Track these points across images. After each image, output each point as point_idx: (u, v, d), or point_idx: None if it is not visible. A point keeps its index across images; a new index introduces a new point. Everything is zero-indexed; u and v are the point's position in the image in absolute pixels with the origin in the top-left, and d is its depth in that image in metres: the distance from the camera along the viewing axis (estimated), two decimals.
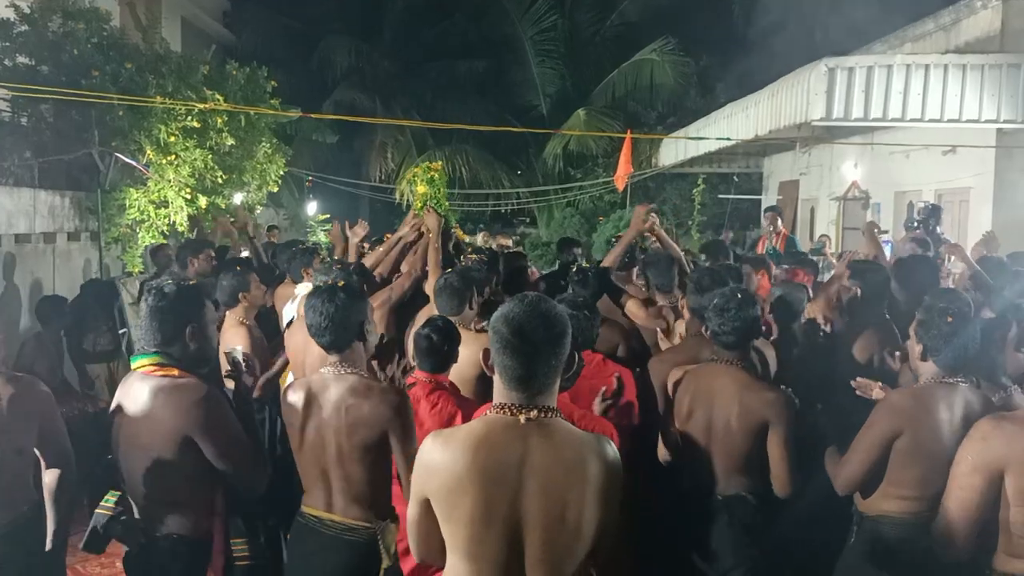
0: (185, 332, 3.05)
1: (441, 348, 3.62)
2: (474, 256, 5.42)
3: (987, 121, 10.24)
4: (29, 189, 8.88)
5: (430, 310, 4.39)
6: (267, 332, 5.08)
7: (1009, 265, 5.69)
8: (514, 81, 22.24)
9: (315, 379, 3.18)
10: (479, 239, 12.39)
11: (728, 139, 13.53)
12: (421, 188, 5.39)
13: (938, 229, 7.78)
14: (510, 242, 12.05)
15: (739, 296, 3.30)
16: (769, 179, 18.47)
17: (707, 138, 14.61)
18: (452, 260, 5.32)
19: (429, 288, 4.77)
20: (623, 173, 15.46)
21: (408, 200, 19.83)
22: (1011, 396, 3.29)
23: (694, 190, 17.65)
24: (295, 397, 3.13)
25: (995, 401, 3.20)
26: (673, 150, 17.64)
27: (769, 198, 17.88)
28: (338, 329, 3.13)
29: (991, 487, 2.36)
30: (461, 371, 3.77)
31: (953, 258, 6.64)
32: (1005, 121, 10.25)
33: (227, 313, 4.69)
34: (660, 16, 20.68)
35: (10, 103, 9.49)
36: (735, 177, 20.28)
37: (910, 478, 3.00)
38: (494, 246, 9.27)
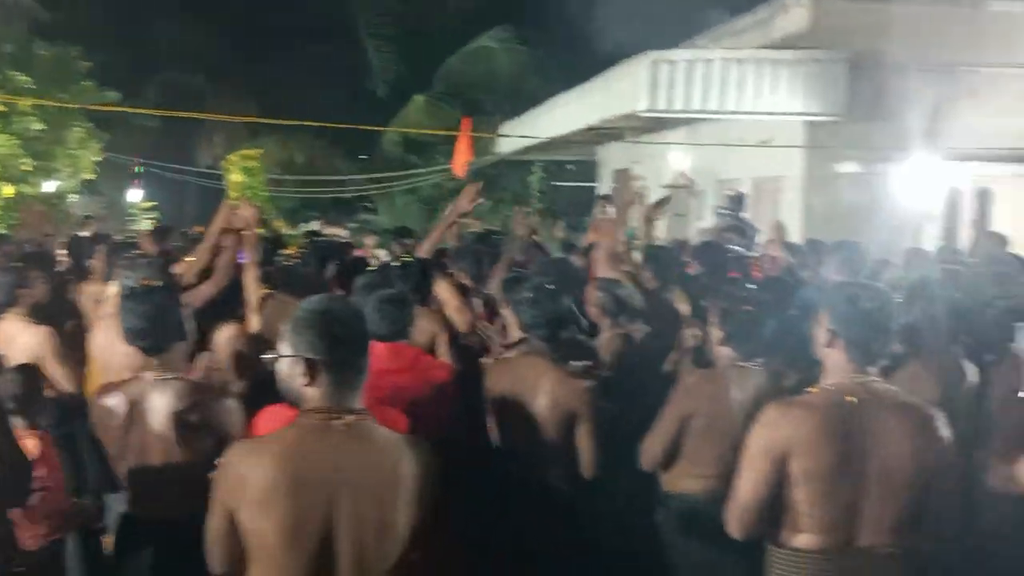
0: None
1: None
2: (292, 250, 5.28)
3: (798, 114, 10.90)
4: None
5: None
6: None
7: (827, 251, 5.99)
8: (351, 65, 21.82)
9: (135, 383, 3.04)
10: (315, 226, 12.12)
11: (537, 138, 13.78)
12: (236, 178, 5.11)
13: (743, 215, 8.20)
14: (343, 232, 11.82)
15: (549, 288, 3.37)
16: (603, 167, 18.98)
17: (525, 136, 14.85)
18: (271, 255, 5.16)
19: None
20: (462, 160, 15.49)
21: None
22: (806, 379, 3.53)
23: (530, 177, 17.91)
24: (113, 402, 3.00)
25: (789, 384, 3.44)
26: (513, 137, 17.84)
27: (604, 186, 18.38)
28: (158, 331, 3.02)
29: (777, 468, 2.49)
30: None
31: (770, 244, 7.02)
32: (814, 114, 10.94)
33: (7, 314, 4.35)
34: (499, 3, 20.82)
35: None
36: (571, 165, 20.72)
37: (705, 457, 3.17)
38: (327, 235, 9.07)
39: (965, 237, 9.59)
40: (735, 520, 2.57)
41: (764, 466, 2.50)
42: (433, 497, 2.16)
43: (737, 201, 7.74)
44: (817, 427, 2.45)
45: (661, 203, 6.00)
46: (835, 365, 2.55)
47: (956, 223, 10.91)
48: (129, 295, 3.08)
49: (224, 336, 4.19)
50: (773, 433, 2.51)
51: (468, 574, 3.33)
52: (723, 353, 3.28)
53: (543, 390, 3.31)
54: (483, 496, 3.54)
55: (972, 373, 3.54)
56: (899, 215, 10.30)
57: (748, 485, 2.54)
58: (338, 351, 2.12)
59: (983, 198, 11.30)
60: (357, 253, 7.61)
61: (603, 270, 4.87)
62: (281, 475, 2.05)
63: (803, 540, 2.51)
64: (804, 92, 10.76)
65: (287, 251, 6.34)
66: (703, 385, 3.24)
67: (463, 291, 4.63)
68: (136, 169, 17.73)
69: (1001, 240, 7.26)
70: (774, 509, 2.55)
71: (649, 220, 5.63)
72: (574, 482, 3.35)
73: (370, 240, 11.29)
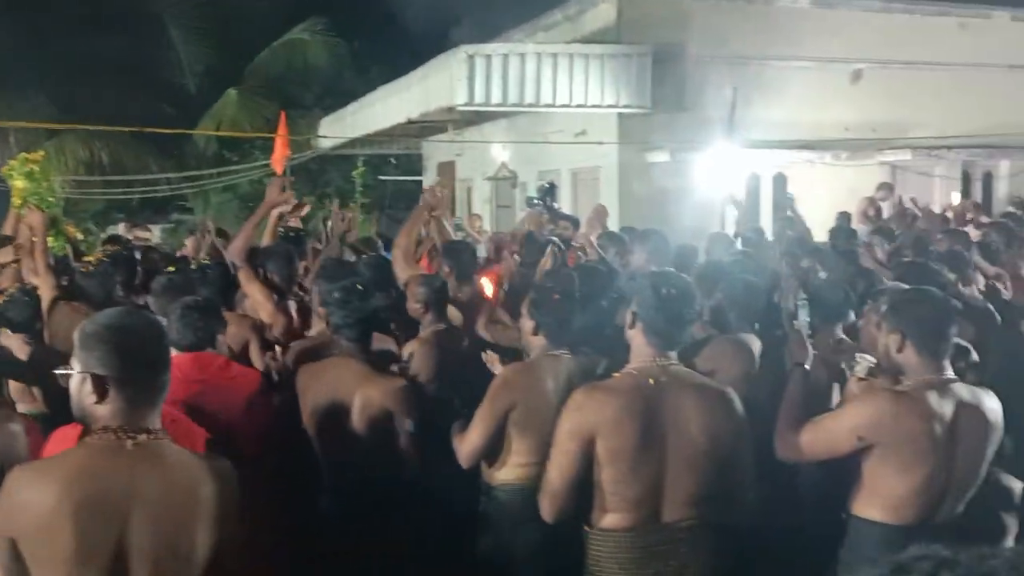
0: None
1: None
2: (93, 257, 4.96)
3: (609, 106, 11.30)
4: None
5: None
6: None
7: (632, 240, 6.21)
8: (158, 59, 20.69)
9: None
10: (120, 229, 11.41)
11: (346, 137, 13.66)
12: (19, 183, 4.76)
13: (555, 205, 8.41)
14: (149, 235, 11.19)
15: (359, 288, 3.34)
16: (428, 160, 18.99)
17: (338, 136, 14.67)
18: (68, 264, 4.84)
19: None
20: (280, 156, 15.07)
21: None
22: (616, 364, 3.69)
23: (354, 172, 17.66)
24: None
25: (600, 370, 3.57)
26: (333, 131, 17.53)
27: (429, 179, 18.39)
28: None
29: (585, 451, 2.57)
30: None
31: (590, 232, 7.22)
32: (624, 106, 11.38)
33: None
34: None
35: None
36: (393, 159, 20.59)
37: (526, 446, 3.24)
38: (132, 239, 8.57)
39: (766, 219, 10.29)
40: (547, 504, 2.65)
41: (572, 449, 2.58)
42: (232, 518, 2.11)
43: (548, 192, 7.93)
44: (620, 409, 2.56)
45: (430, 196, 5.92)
46: (637, 349, 2.67)
47: (756, 207, 11.65)
48: None
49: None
50: (579, 417, 2.59)
51: None
52: (537, 343, 3.35)
53: (356, 392, 3.28)
54: (306, 504, 3.48)
55: (760, 348, 3.77)
56: (705, 200, 10.89)
57: (558, 469, 2.62)
58: (130, 367, 2.04)
59: (778, 184, 12.13)
60: (180, 254, 7.27)
61: (400, 268, 4.85)
62: (66, 499, 1.94)
63: (612, 519, 2.62)
64: (614, 85, 11.18)
65: (88, 258, 5.97)
66: (519, 377, 3.29)
67: (277, 293, 4.51)
68: None
69: (794, 223, 7.81)
70: (585, 491, 2.63)
71: (433, 216, 5.60)
72: (394, 482, 3.33)
73: (191, 241, 10.74)
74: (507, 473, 3.27)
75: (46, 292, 4.54)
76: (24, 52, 19.76)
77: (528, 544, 3.17)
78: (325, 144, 18.36)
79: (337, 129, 17.05)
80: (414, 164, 20.05)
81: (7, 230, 4.58)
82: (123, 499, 1.97)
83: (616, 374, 2.71)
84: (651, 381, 2.60)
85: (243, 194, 20.09)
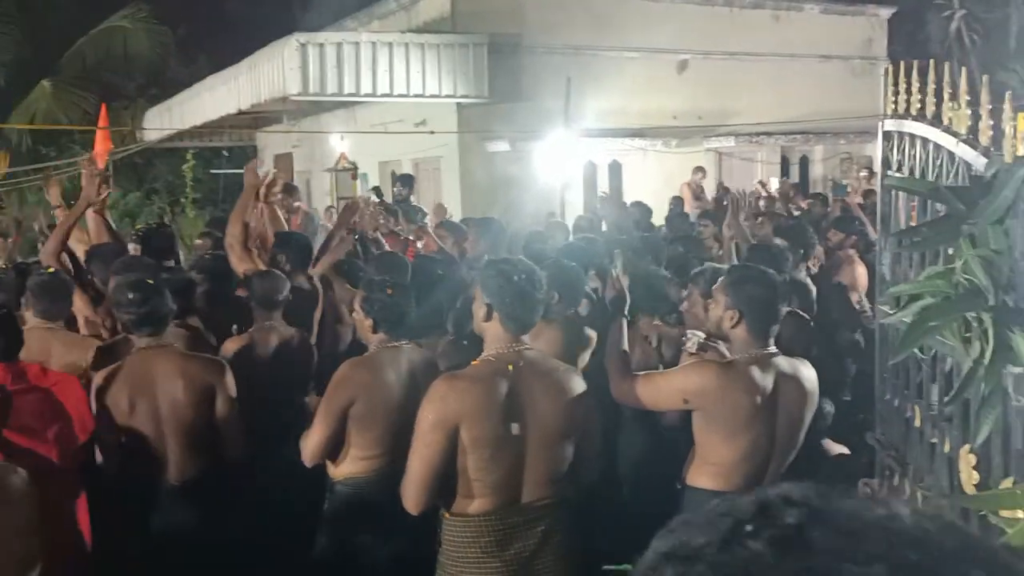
0: None
1: None
2: None
3: (447, 96, 11.29)
4: None
5: None
6: None
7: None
8: None
9: None
10: None
11: (172, 129, 13.13)
12: None
13: (411, 197, 8.38)
14: None
15: (150, 285, 3.26)
16: (264, 152, 18.40)
17: (158, 128, 14.03)
18: None
19: None
20: (102, 149, 14.21)
21: None
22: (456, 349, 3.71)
23: (184, 166, 16.90)
24: None
25: (441, 356, 3.58)
26: (159, 123, 16.67)
27: (265, 171, 17.80)
28: None
29: (450, 440, 2.57)
30: None
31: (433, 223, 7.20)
32: (463, 96, 11.40)
33: None
34: None
35: None
36: (226, 152, 19.84)
37: (370, 439, 3.21)
38: None
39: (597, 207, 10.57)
40: (411, 496, 2.63)
41: (436, 439, 2.58)
42: (31, 527, 2.05)
43: (405, 182, 7.87)
44: (483, 397, 2.58)
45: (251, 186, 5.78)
46: (494, 336, 2.69)
47: (593, 193, 11.96)
48: None
49: None
50: (442, 407, 2.59)
51: None
52: (374, 338, 3.32)
53: (171, 382, 3.24)
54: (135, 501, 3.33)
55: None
56: (545, 188, 11.08)
57: (422, 460, 2.60)
58: None
59: (614, 171, 12.50)
60: None
61: (235, 259, 4.67)
62: None
63: (474, 505, 2.64)
64: (452, 75, 11.17)
65: None
66: (357, 371, 3.25)
67: (100, 298, 4.25)
68: None
69: (627, 208, 8.07)
70: (446, 479, 2.62)
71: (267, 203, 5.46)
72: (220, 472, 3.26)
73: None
74: (349, 467, 3.24)
75: None
76: None
77: (372, 536, 3.16)
78: (151, 137, 17.45)
79: (164, 121, 16.24)
80: (248, 156, 19.35)
81: None
82: None
83: (474, 361, 2.71)
84: (510, 367, 2.63)
85: (64, 192, 18.79)
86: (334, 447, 3.24)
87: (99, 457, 3.31)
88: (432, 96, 11.17)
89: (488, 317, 2.68)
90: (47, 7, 19.17)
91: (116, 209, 15.38)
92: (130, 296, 3.19)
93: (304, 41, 10.54)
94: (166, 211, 17.01)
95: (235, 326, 4.42)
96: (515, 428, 2.60)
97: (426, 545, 2.81)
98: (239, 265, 4.56)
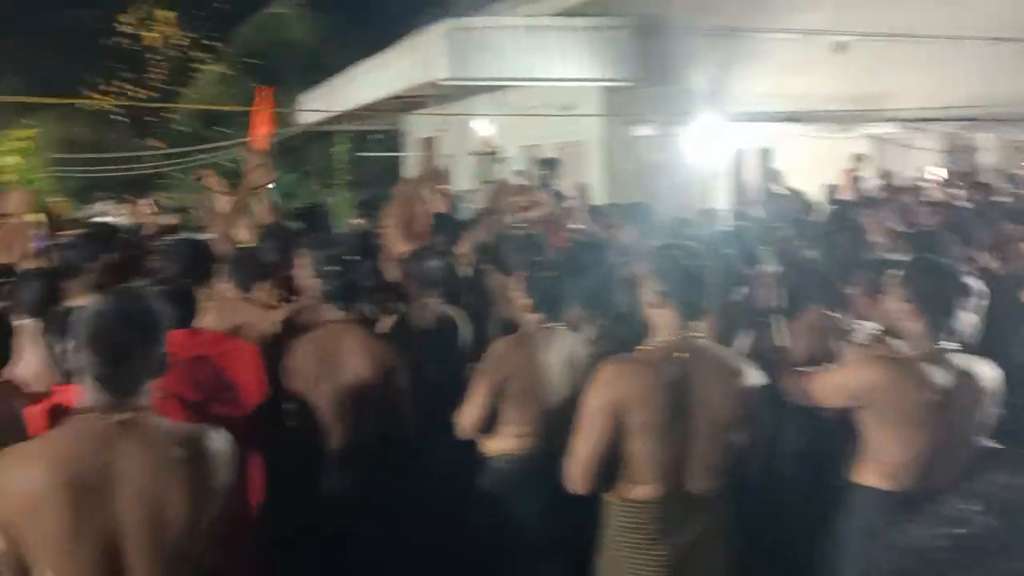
0: None
1: None
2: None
3: (594, 80, 11.24)
4: None
5: None
6: None
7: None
8: (132, 33, 20.42)
9: None
10: (101, 207, 11.28)
11: (330, 111, 13.54)
12: (9, 160, 4.69)
13: (555, 181, 8.40)
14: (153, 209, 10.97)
15: (349, 259, 3.41)
16: (409, 135, 18.86)
17: (315, 109, 14.52)
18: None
19: None
20: (262, 132, 14.91)
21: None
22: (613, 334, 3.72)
23: (332, 149, 17.53)
24: None
25: (597, 340, 3.61)
26: (314, 107, 17.36)
27: (410, 155, 18.28)
28: None
29: (615, 423, 2.58)
30: None
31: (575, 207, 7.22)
32: (609, 80, 11.33)
33: None
34: None
35: None
36: (375, 135, 20.44)
37: (521, 418, 3.28)
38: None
39: (751, 194, 10.30)
40: (577, 476, 2.66)
41: (602, 422, 2.59)
42: (226, 488, 2.13)
43: (549, 165, 7.91)
44: (651, 382, 2.57)
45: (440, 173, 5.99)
46: (663, 322, 2.66)
47: (741, 180, 11.65)
48: None
49: None
50: (609, 391, 2.60)
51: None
52: (531, 318, 3.37)
53: (357, 357, 3.37)
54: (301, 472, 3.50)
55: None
56: (692, 174, 10.89)
57: (588, 441, 2.62)
58: (101, 351, 2.05)
59: (765, 157, 12.13)
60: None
61: (396, 242, 4.84)
62: (53, 480, 1.96)
63: (639, 491, 2.63)
64: (600, 58, 11.11)
65: (65, 232, 5.91)
66: (513, 350, 3.32)
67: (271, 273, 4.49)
68: None
69: (786, 197, 7.83)
70: (611, 463, 2.64)
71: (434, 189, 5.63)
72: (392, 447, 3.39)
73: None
74: (502, 443, 3.32)
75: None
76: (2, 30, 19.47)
77: (525, 511, 3.23)
78: (305, 120, 18.20)
79: (318, 105, 16.89)
80: (396, 140, 19.90)
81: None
82: (107, 475, 1.99)
83: (642, 347, 2.70)
84: (679, 354, 2.61)
85: (226, 172, 19.84)
86: (488, 423, 3.34)
87: (275, 422, 3.49)
88: (579, 80, 11.15)
89: (658, 303, 2.65)
90: None
91: (273, 190, 16.11)
92: (331, 269, 3.36)
93: (455, 26, 10.71)
94: (319, 192, 17.70)
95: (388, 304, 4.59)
96: (681, 415, 2.58)
97: (578, 523, 2.84)
98: (399, 245, 4.72)
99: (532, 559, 3.28)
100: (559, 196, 7.99)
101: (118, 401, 2.04)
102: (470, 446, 3.47)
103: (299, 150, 20.19)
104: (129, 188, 20.61)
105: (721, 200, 11.07)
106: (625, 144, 11.65)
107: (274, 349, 3.76)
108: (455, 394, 3.58)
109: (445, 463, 3.72)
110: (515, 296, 3.45)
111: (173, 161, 19.66)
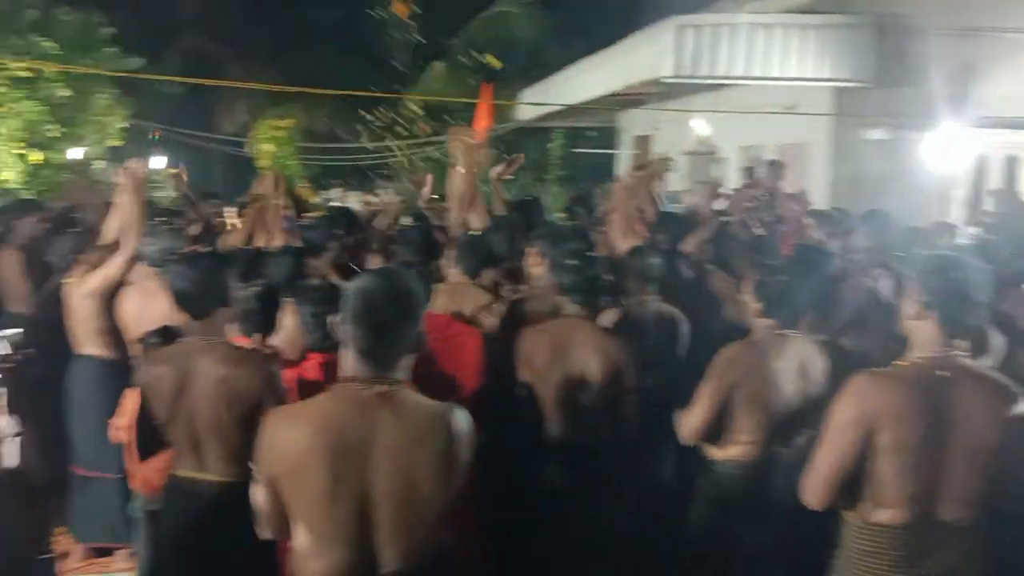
0: None
1: None
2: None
3: (825, 80, 10.77)
4: None
5: None
6: None
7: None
8: (371, 30, 21.69)
9: (181, 348, 3.14)
10: (335, 195, 12.12)
11: (555, 104, 13.65)
12: (266, 146, 5.13)
13: (779, 183, 8.15)
14: (373, 198, 11.74)
15: (589, 255, 3.44)
16: (624, 133, 18.84)
17: (543, 103, 14.72)
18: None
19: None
20: (482, 127, 15.42)
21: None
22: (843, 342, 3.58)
23: (549, 145, 17.80)
24: (162, 368, 3.09)
25: (830, 348, 3.48)
26: (533, 104, 17.73)
27: (624, 153, 18.26)
28: (204, 295, 3.12)
29: (864, 440, 2.46)
30: None
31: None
32: (841, 80, 10.81)
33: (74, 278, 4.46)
34: None
35: None
36: (592, 132, 20.57)
37: (749, 425, 3.21)
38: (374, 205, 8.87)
39: (989, 205, 9.52)
40: (816, 490, 2.56)
41: (850, 437, 2.48)
42: (466, 467, 2.22)
43: (774, 168, 7.68)
44: (908, 400, 2.44)
45: (660, 166, 5.92)
46: (924, 337, 2.50)
47: (983, 192, 10.80)
48: (177, 260, 3.15)
49: None
50: (862, 404, 2.47)
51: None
52: (761, 323, 3.30)
53: (588, 352, 3.39)
54: (523, 460, 3.60)
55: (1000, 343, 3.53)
56: (926, 183, 10.20)
57: (832, 456, 2.51)
58: (364, 326, 2.17)
59: (1012, 166, 11.17)
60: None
61: (618, 238, 4.87)
62: (314, 442, 2.11)
63: (885, 514, 2.50)
64: (831, 58, 10.63)
65: (309, 214, 6.39)
66: (744, 355, 3.26)
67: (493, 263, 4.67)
68: (153, 136, 17.68)
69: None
70: (854, 481, 2.52)
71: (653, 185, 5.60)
72: (620, 448, 3.41)
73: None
74: (729, 449, 3.26)
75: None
76: (254, 29, 21.28)
77: (749, 520, 3.17)
78: (523, 116, 18.60)
79: (537, 101, 17.22)
80: (609, 137, 19.94)
81: (257, 190, 5.01)
82: (365, 443, 2.11)
83: (899, 361, 2.55)
84: (942, 373, 2.45)
85: (446, 164, 20.67)
86: (714, 429, 3.29)
87: (491, 408, 3.60)
88: (808, 80, 10.72)
89: (921, 316, 2.49)
90: None
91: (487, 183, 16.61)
92: (573, 263, 3.44)
93: (682, 24, 10.60)
94: (531, 186, 18.08)
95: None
96: (937, 437, 2.43)
97: (807, 538, 2.76)
98: (622, 241, 4.76)
99: (752, 570, 3.22)
100: (790, 198, 7.75)
101: (377, 374, 2.17)
102: (692, 449, 3.45)
103: (514, 144, 20.68)
104: (356, 176, 22.00)
105: (955, 212, 10.31)
106: (852, 148, 11.08)
107: (498, 337, 3.91)
108: (673, 395, 3.57)
109: (665, 464, 3.73)
110: (745, 299, 3.39)
111: (400, 152, 20.73)
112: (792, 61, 10.63)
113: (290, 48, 20.65)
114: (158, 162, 17.28)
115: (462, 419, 2.23)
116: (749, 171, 8.48)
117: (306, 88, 14.27)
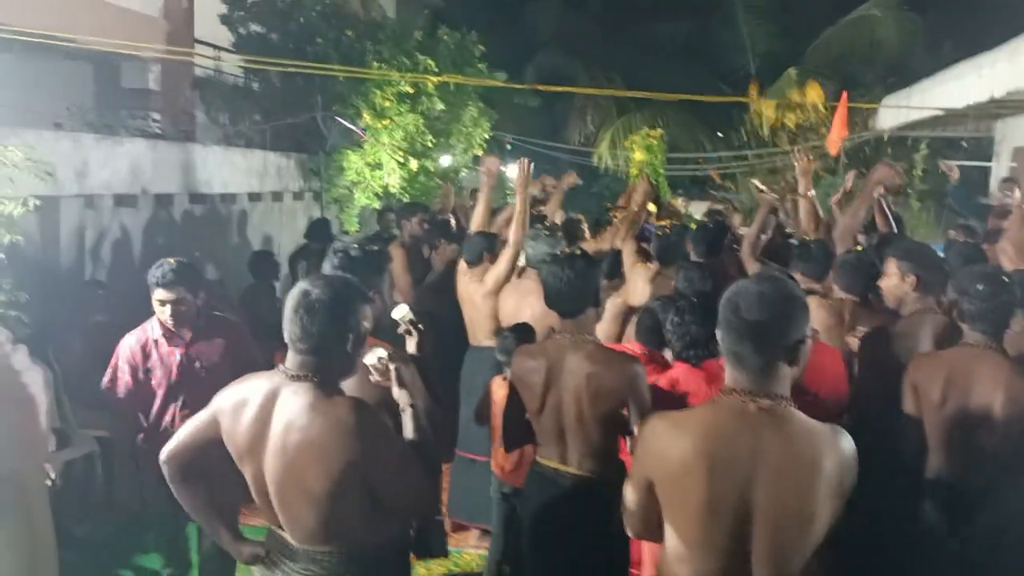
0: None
1: None
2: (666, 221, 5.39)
3: None
4: (260, 151, 9.56)
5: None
6: None
7: None
8: (719, 41, 21.48)
9: (552, 344, 3.29)
10: (678, 203, 12.11)
11: (923, 108, 12.47)
12: (638, 155, 5.28)
13: None
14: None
15: (1003, 281, 3.12)
16: (1002, 144, 16.86)
17: (920, 107, 13.54)
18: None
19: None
20: (837, 137, 14.59)
21: (607, 164, 19.71)
22: None
23: (915, 155, 16.43)
24: (534, 362, 3.27)
25: None
26: (894, 113, 16.47)
27: (1001, 165, 16.35)
28: (576, 295, 3.25)
29: None
30: None
31: None
32: None
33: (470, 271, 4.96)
34: None
35: (244, 70, 10.23)
36: (963, 143, 18.69)
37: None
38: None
39: None
40: None
41: None
42: (848, 493, 2.11)
43: None
44: None
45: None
46: None
47: None
48: (552, 261, 3.32)
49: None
50: None
51: None
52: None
53: (993, 386, 3.09)
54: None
55: None
56: None
57: None
58: (736, 336, 2.13)
59: None
60: None
61: (1012, 261, 4.43)
62: (698, 452, 2.09)
63: None
64: None
65: (662, 222, 6.44)
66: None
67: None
68: (507, 145, 18.85)
69: None
70: None
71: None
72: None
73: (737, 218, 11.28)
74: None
75: (628, 257, 5.09)
76: (603, 44, 22.03)
77: None
78: (883, 125, 17.34)
79: (899, 110, 15.98)
80: (983, 149, 17.95)
81: (637, 196, 5.21)
82: (748, 459, 2.06)
83: None
84: None
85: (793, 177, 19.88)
86: None
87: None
88: None
89: None
90: (806, 2, 20.36)
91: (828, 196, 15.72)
92: (978, 288, 3.17)
93: None
94: (894, 203, 16.80)
95: None
96: None
97: None
98: (1011, 265, 4.37)
99: None
100: None
101: (755, 384, 2.12)
102: None
103: (871, 154, 19.38)
104: (695, 187, 21.89)
105: None
106: None
107: (874, 356, 3.68)
108: None
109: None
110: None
111: (741, 163, 20.29)
112: None
113: (636, 62, 21.04)
114: (510, 170, 18.49)
115: (849, 443, 2.13)
116: None
117: (663, 94, 14.48)
